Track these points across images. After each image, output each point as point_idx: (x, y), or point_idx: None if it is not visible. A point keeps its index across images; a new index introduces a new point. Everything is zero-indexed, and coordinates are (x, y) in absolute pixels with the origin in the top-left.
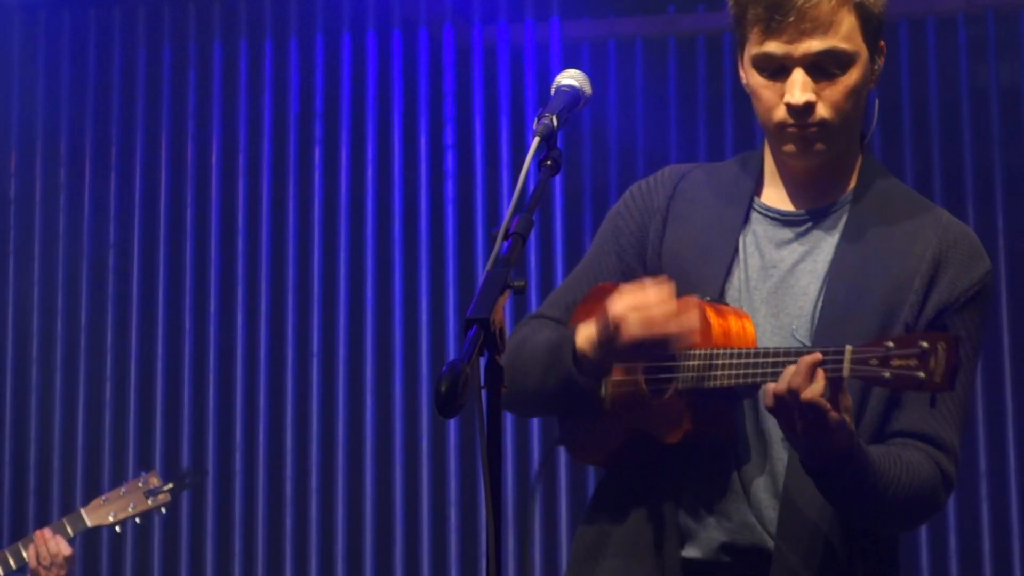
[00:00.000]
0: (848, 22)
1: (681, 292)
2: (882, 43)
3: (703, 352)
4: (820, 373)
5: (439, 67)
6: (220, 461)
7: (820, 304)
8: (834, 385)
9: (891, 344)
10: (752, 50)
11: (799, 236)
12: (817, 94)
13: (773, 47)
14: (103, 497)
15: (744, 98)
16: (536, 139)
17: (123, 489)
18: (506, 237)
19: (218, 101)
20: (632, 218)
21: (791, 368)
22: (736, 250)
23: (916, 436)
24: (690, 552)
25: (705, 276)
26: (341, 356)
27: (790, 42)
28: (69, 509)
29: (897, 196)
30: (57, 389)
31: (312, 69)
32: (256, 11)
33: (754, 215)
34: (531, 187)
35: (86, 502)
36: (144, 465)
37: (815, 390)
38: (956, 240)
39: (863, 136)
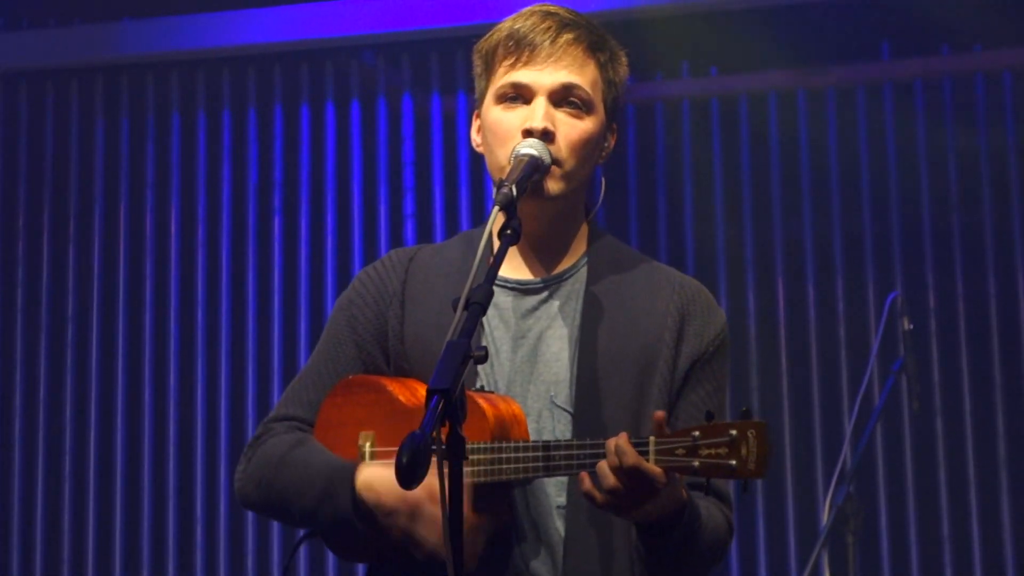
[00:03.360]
0: (593, 74)
1: (430, 374)
2: (615, 126)
3: (486, 446)
4: (628, 446)
5: (398, 136)
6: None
7: (575, 368)
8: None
9: (698, 433)
10: (496, 83)
11: (542, 303)
12: (556, 129)
13: (521, 75)
14: None
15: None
16: (495, 208)
17: None
18: (466, 307)
19: (176, 172)
20: (367, 306)
21: (603, 463)
22: (480, 325)
23: (699, 488)
24: None
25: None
26: None
27: (540, 70)
28: None
29: (627, 258)
30: (16, 463)
31: (271, 139)
32: (214, 82)
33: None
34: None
35: None
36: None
37: (632, 458)
38: (694, 295)
39: (588, 210)
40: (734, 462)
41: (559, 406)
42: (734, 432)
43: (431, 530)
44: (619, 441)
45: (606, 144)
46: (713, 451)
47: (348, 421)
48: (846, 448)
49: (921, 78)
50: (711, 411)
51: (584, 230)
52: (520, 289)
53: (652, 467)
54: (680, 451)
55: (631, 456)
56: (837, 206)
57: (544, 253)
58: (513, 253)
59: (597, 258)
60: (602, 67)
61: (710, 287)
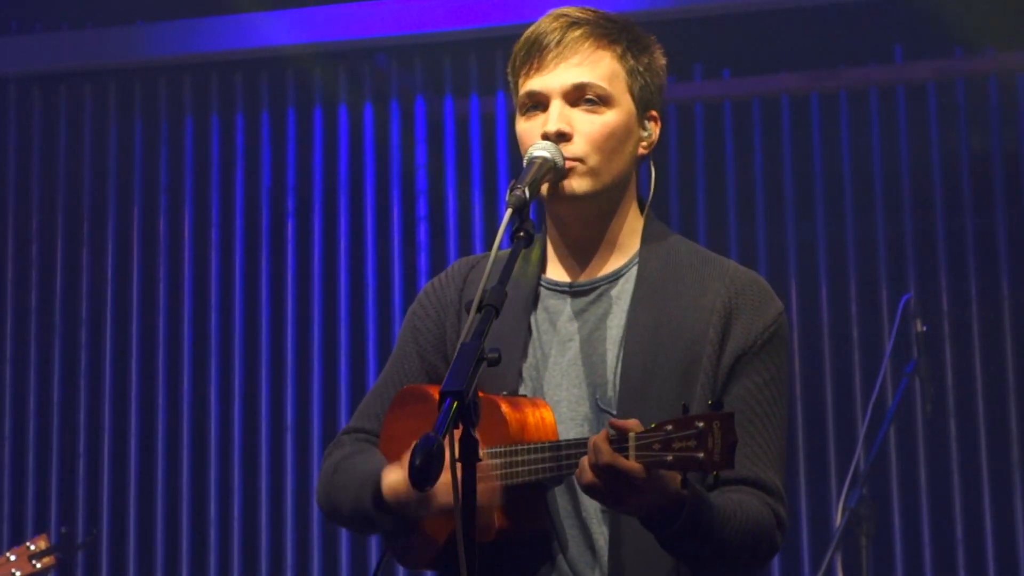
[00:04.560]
0: (609, 66)
1: (481, 381)
2: (655, 113)
3: (503, 449)
4: (604, 443)
5: (411, 139)
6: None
7: (620, 370)
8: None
9: (670, 427)
10: (518, 95)
11: (590, 305)
12: (574, 128)
13: (533, 83)
14: None
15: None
16: (508, 210)
17: (12, 555)
18: (479, 309)
19: (190, 175)
20: (428, 316)
21: (583, 459)
22: (529, 329)
23: (742, 481)
24: None
25: (503, 361)
26: (315, 428)
27: (549, 75)
28: None
29: (682, 254)
30: (30, 466)
31: (284, 142)
32: (228, 85)
33: (543, 292)
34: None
35: None
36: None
37: (606, 456)
38: (744, 287)
39: (642, 203)
40: (701, 454)
41: (603, 409)
42: (700, 424)
43: (443, 492)
44: (596, 438)
45: (645, 134)
46: (684, 444)
47: (406, 431)
48: (859, 450)
49: (934, 80)
50: (687, 404)
51: (638, 226)
52: (569, 292)
53: (628, 463)
54: (656, 445)
55: (606, 454)
56: (850, 208)
57: (593, 254)
58: (563, 255)
59: (649, 256)
60: (620, 57)
61: None
